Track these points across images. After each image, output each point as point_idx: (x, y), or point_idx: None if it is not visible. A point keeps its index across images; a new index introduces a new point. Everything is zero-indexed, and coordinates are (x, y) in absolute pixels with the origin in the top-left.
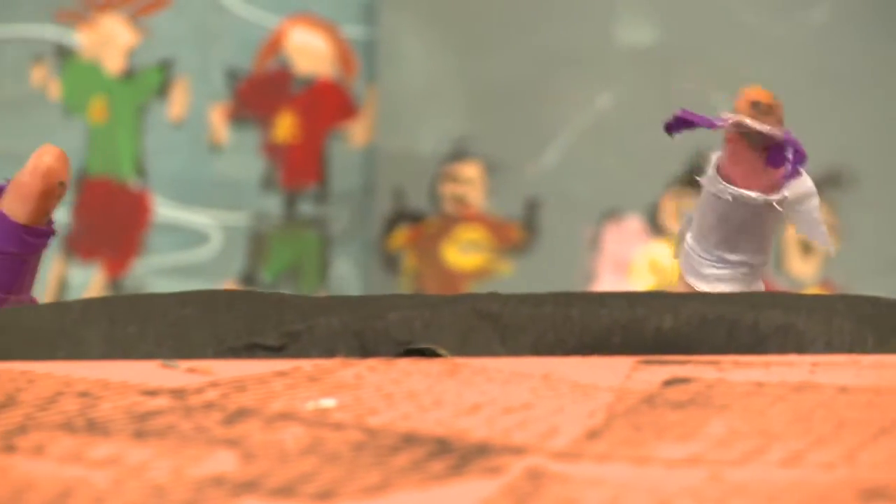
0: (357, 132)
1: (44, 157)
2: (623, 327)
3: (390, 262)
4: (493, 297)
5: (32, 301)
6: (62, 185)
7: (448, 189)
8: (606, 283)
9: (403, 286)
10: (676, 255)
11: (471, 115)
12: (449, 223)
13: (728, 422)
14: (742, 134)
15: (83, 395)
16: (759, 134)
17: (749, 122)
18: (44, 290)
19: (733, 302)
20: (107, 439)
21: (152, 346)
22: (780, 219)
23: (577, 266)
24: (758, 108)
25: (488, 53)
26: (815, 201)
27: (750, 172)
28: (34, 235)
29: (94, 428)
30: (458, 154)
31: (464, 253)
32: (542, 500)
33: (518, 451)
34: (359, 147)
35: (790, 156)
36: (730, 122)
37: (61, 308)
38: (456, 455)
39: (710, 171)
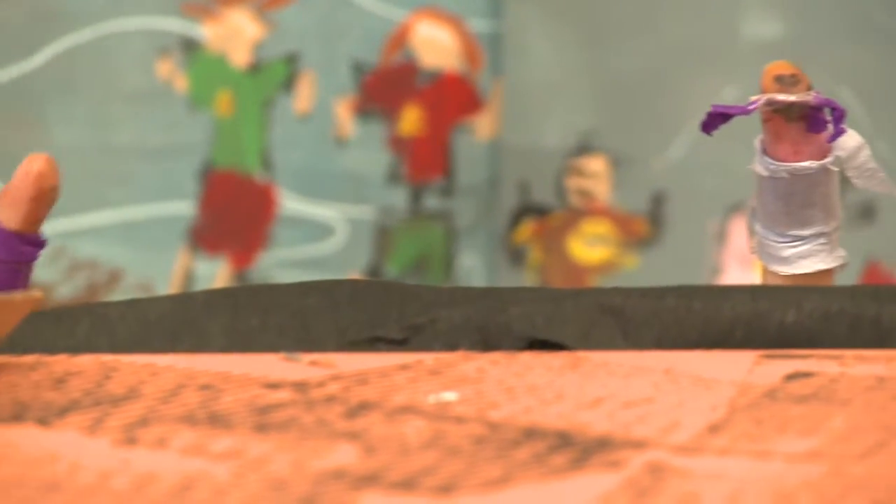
0: (483, 126)
1: (34, 163)
2: (746, 321)
3: (516, 256)
4: (616, 290)
5: None
6: (53, 189)
7: (573, 183)
8: (732, 277)
9: (529, 280)
10: (753, 250)
11: (596, 109)
12: (574, 217)
13: (850, 417)
14: (776, 111)
15: (205, 387)
16: (792, 105)
17: (778, 97)
18: (169, 283)
19: (856, 296)
20: (228, 432)
21: (274, 338)
22: (839, 179)
23: (702, 260)
24: (783, 82)
25: (614, 47)
26: (866, 152)
27: (796, 145)
28: (27, 243)
29: (216, 421)
30: (584, 148)
31: (589, 246)
32: (662, 494)
33: (639, 445)
34: (484, 140)
35: (828, 117)
36: (761, 102)
37: (184, 299)
38: (577, 449)
39: (758, 155)
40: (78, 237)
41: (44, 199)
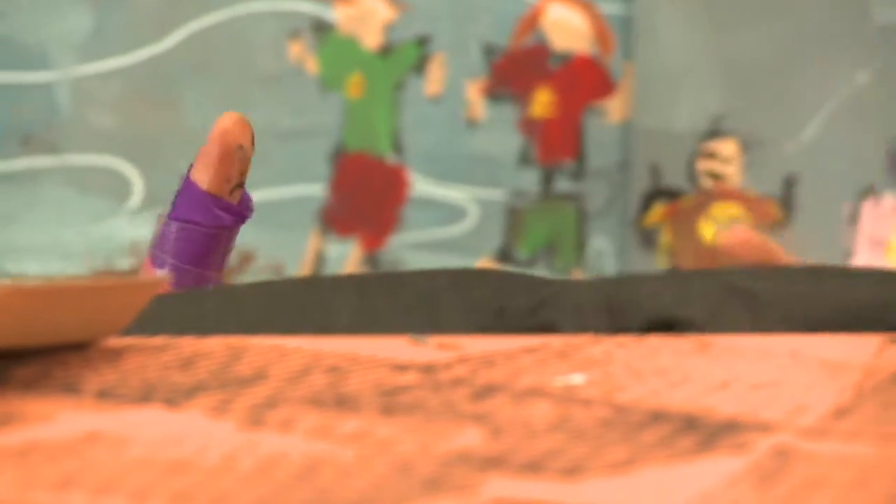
0: (614, 108)
1: (222, 121)
2: (874, 305)
3: (647, 239)
4: (745, 272)
5: (220, 280)
6: (241, 148)
7: (705, 166)
8: (864, 260)
9: (660, 262)
10: None
11: (727, 92)
12: (705, 200)
13: None
14: None
15: (332, 369)
16: None
17: None
18: (300, 264)
19: None
20: (355, 414)
21: (401, 318)
22: None
23: (834, 243)
24: None
25: (744, 29)
26: None
27: None
28: (221, 208)
29: (343, 403)
30: (715, 131)
31: (720, 229)
32: (788, 478)
33: (765, 428)
34: (615, 123)
35: None
36: None
37: (312, 280)
38: (703, 432)
39: None
40: None
41: (229, 158)
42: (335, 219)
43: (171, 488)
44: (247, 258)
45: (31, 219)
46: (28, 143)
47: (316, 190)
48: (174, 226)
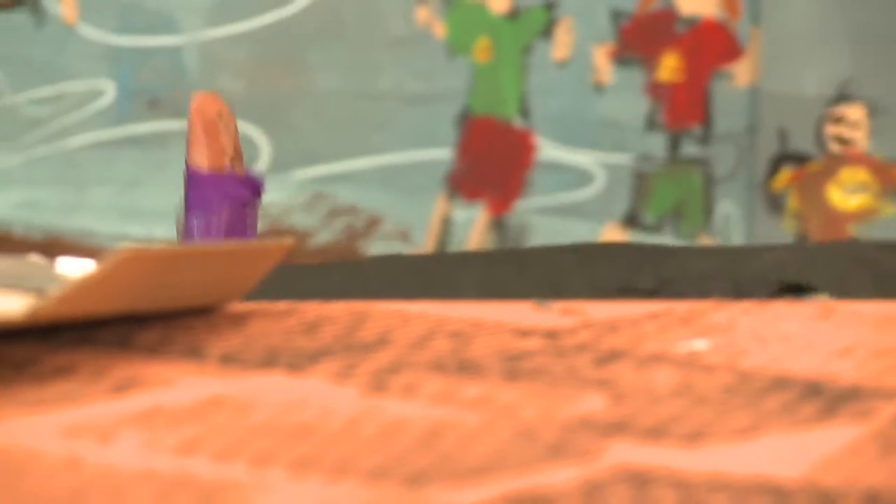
0: (741, 73)
1: (193, 102)
2: None
3: (774, 203)
4: (871, 242)
5: None
6: (220, 116)
7: (832, 131)
8: None
9: (787, 227)
10: None
11: (855, 57)
12: (833, 164)
13: None
14: None
15: (456, 335)
16: None
17: None
18: (427, 228)
19: None
20: (478, 380)
21: (527, 290)
22: None
23: None
24: None
25: None
26: None
27: None
28: (230, 183)
29: (466, 368)
30: (843, 96)
31: (848, 194)
32: None
33: (889, 395)
34: (742, 88)
35: None
36: None
37: (438, 256)
38: (826, 398)
39: None
40: (337, 183)
41: (214, 128)
42: (462, 183)
43: (294, 453)
44: (373, 222)
45: (157, 182)
46: (155, 106)
47: (443, 154)
48: (193, 219)
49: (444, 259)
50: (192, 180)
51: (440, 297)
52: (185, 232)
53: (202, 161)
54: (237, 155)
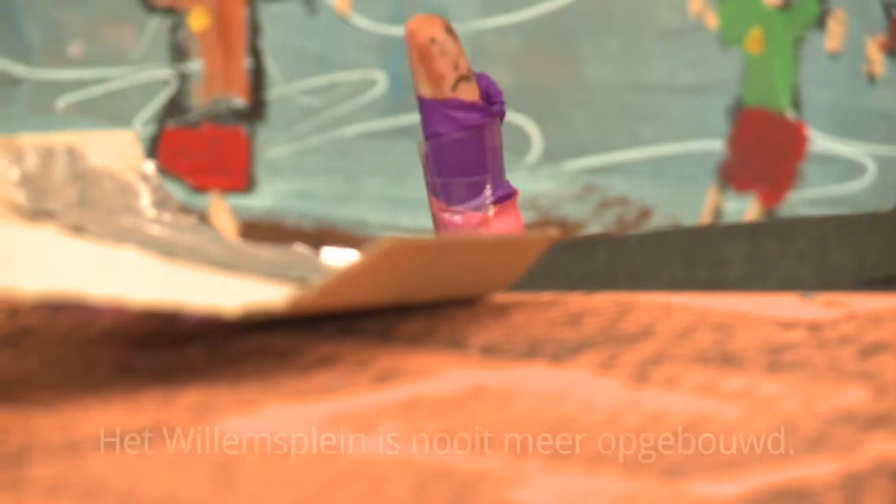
0: None
1: (408, 26)
2: None
3: None
4: None
5: (507, 185)
6: (434, 41)
7: None
8: None
9: None
10: None
11: None
12: None
13: None
14: None
15: (719, 327)
16: None
17: None
18: (698, 220)
19: None
20: (740, 372)
21: (792, 265)
22: None
23: None
24: None
25: None
26: None
27: None
28: (454, 108)
29: (728, 360)
30: None
31: None
32: None
33: None
34: None
35: None
36: None
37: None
38: None
39: None
40: (608, 174)
41: (428, 54)
42: (733, 174)
43: (553, 444)
44: (644, 213)
45: None
46: None
47: (715, 145)
48: (426, 146)
49: (710, 233)
50: (421, 110)
51: (706, 274)
52: (425, 166)
53: (425, 91)
54: (462, 77)
